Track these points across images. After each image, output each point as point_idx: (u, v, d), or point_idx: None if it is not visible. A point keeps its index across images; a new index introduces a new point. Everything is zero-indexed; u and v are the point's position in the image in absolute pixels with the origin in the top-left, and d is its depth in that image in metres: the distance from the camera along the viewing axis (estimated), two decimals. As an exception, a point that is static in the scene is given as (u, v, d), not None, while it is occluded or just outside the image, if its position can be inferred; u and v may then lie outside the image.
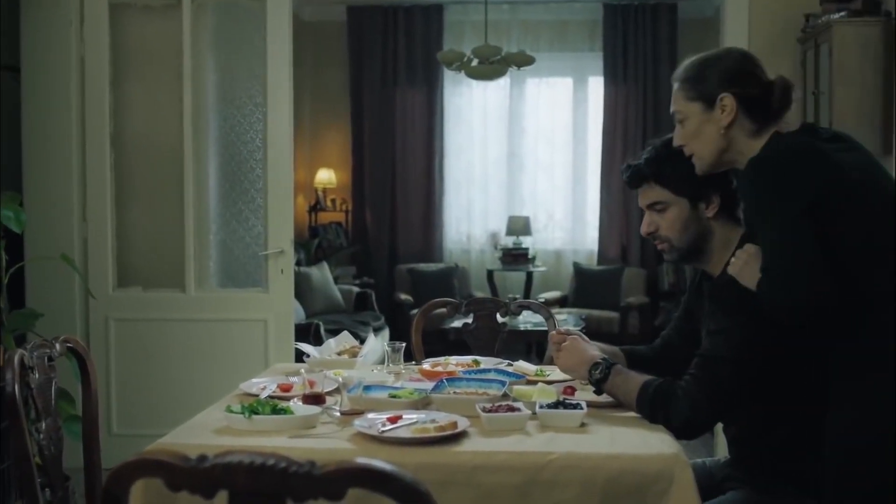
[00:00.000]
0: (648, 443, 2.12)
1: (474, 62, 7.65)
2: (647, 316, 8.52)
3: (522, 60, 7.57)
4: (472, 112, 9.55)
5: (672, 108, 2.34)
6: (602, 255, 9.31)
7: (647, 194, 2.41)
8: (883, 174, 2.21)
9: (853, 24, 4.21)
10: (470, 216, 9.63)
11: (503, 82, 9.06)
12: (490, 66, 7.58)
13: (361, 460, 1.26)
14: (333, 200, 9.52)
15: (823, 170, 2.09)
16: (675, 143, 2.33)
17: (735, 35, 4.76)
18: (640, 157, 2.42)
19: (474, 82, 8.69)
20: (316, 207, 9.41)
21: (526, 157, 9.54)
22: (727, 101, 2.22)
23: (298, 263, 7.81)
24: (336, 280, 8.57)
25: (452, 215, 9.60)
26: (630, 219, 9.12)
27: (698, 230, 2.37)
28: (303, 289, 7.54)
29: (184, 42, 4.82)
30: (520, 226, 9.28)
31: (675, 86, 2.33)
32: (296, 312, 5.15)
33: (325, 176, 9.41)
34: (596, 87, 9.32)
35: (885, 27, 4.15)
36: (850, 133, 3.79)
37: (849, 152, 2.16)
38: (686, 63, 2.33)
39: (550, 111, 9.51)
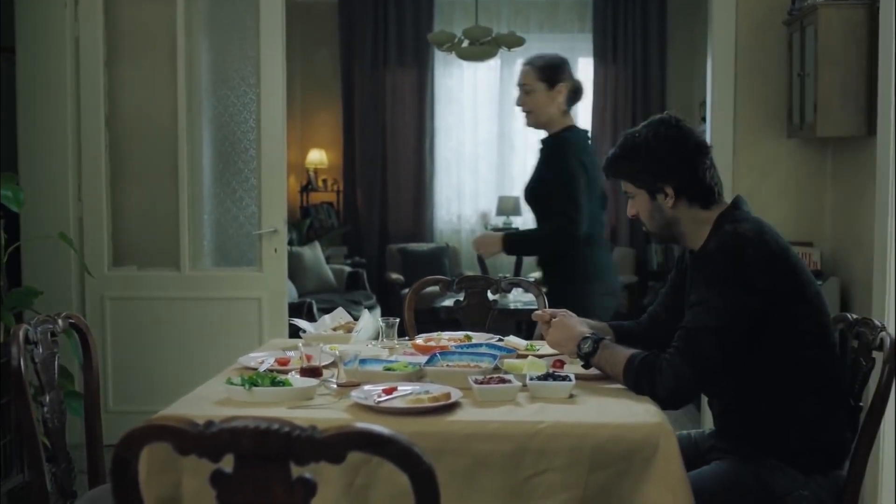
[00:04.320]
0: (634, 412, 2.18)
1: (465, 43, 7.67)
2: (636, 295, 8.56)
3: (513, 42, 7.59)
4: (463, 93, 9.55)
5: None
6: (591, 236, 9.33)
7: (621, 184, 2.54)
8: None
9: (838, 8, 4.26)
10: (460, 196, 9.65)
11: (493, 63, 9.07)
12: (480, 47, 7.60)
13: (361, 424, 1.32)
14: (325, 181, 9.53)
15: None
16: None
17: (722, 17, 4.80)
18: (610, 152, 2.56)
19: (465, 63, 8.70)
20: (307, 188, 9.42)
21: (516, 137, 9.52)
22: None
23: (290, 243, 7.84)
24: (328, 260, 8.60)
25: (443, 195, 9.62)
26: (619, 199, 9.12)
27: (664, 218, 2.50)
28: (295, 268, 7.57)
29: (177, 23, 4.85)
30: (510, 206, 9.29)
31: None
32: (288, 292, 5.20)
33: (317, 156, 9.42)
34: (586, 68, 9.32)
35: (869, 10, 4.20)
36: (834, 114, 3.95)
37: None
38: None
39: (541, 92, 9.50)
